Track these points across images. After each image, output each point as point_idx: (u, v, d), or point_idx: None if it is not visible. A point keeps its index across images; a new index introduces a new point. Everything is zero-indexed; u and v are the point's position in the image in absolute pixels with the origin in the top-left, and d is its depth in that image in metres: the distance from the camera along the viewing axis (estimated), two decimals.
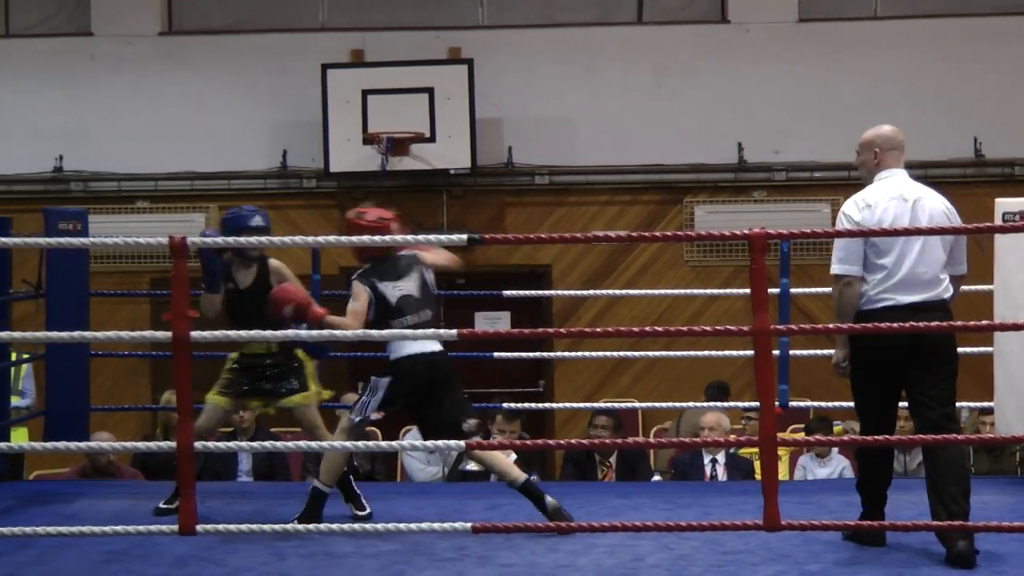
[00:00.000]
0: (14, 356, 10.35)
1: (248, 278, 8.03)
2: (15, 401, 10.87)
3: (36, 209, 10.18)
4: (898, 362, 6.59)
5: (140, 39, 14.31)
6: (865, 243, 6.64)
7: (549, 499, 7.23)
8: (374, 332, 7.19)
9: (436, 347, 7.62)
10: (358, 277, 7.62)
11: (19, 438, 10.20)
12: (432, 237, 7.28)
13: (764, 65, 14.13)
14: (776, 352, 8.56)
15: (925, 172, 14.05)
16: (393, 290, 7.60)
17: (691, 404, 10.95)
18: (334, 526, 6.30)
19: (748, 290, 5.99)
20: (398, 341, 7.49)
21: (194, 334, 5.76)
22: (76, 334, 7.12)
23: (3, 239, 7.57)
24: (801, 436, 10.42)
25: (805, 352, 10.21)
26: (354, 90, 13.60)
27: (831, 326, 7.00)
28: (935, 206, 6.85)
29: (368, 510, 7.82)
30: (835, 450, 10.83)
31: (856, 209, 6.78)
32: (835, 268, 6.67)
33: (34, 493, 8.82)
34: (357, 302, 7.55)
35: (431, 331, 7.51)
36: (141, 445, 6.75)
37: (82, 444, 5.98)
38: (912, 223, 6.67)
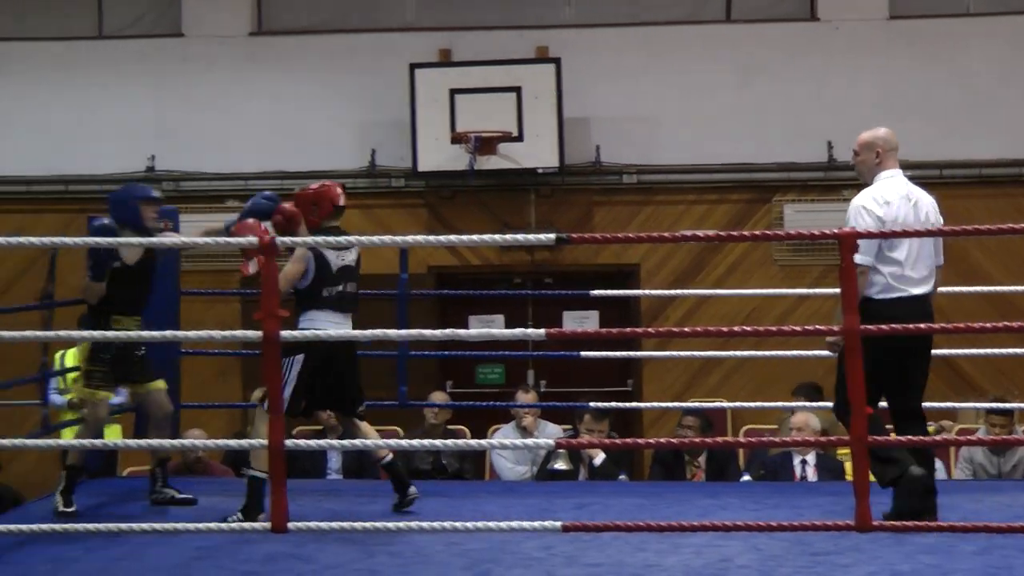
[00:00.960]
0: None
1: (136, 254, 8.09)
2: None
3: None
4: (906, 350, 7.26)
5: (230, 39, 14.41)
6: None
7: (413, 489, 7.82)
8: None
9: (349, 328, 7.81)
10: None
11: (112, 435, 10.31)
12: (520, 236, 7.15)
13: (854, 63, 14.03)
14: None
15: (1019, 171, 13.99)
16: (336, 258, 7.78)
17: (780, 404, 10.88)
18: (424, 524, 6.31)
19: (838, 290, 5.95)
20: (318, 317, 7.65)
21: (284, 333, 5.79)
22: (168, 333, 7.19)
23: (96, 239, 7.66)
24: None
25: None
26: (442, 89, 13.63)
27: (910, 326, 6.95)
28: (930, 205, 7.75)
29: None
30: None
31: (876, 205, 7.46)
32: (856, 258, 6.73)
33: (127, 489, 8.91)
34: (292, 265, 7.67)
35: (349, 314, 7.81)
36: (232, 443, 6.79)
37: (174, 441, 6.02)
38: (916, 220, 7.43)
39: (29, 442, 7.41)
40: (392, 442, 6.82)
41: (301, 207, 7.80)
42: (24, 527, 6.42)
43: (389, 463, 7.89)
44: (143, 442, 6.17)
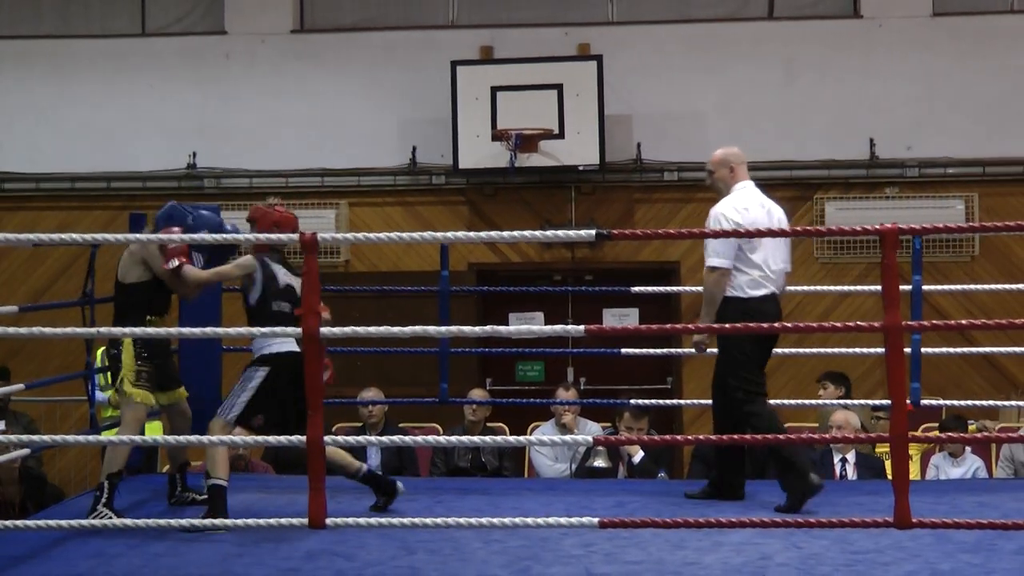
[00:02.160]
0: None
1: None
2: None
3: None
4: (771, 344, 8.19)
5: (273, 37, 14.46)
6: (739, 242, 7.80)
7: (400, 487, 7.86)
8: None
9: (297, 348, 7.62)
10: (256, 255, 7.91)
11: (153, 431, 10.33)
12: (561, 233, 7.16)
13: (897, 60, 13.97)
14: (908, 350, 8.45)
15: None
16: (284, 275, 7.89)
17: (820, 401, 10.85)
18: (461, 520, 6.32)
19: (879, 287, 5.93)
20: (273, 336, 7.64)
21: (324, 330, 5.80)
22: (209, 330, 7.21)
23: (139, 235, 7.70)
24: (933, 435, 10.28)
25: (937, 350, 10.08)
26: (483, 87, 13.64)
27: (952, 323, 6.91)
28: (780, 211, 8.27)
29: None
30: (969, 449, 10.69)
31: (735, 212, 7.97)
32: (714, 261, 7.86)
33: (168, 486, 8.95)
34: (226, 268, 7.91)
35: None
36: (272, 439, 6.81)
37: (214, 438, 6.05)
38: (769, 226, 7.87)
39: (71, 438, 7.42)
40: (431, 439, 6.81)
41: (261, 225, 7.96)
42: (65, 523, 6.45)
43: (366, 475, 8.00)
44: (183, 438, 6.19)
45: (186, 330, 7.99)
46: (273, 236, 7.22)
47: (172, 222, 7.96)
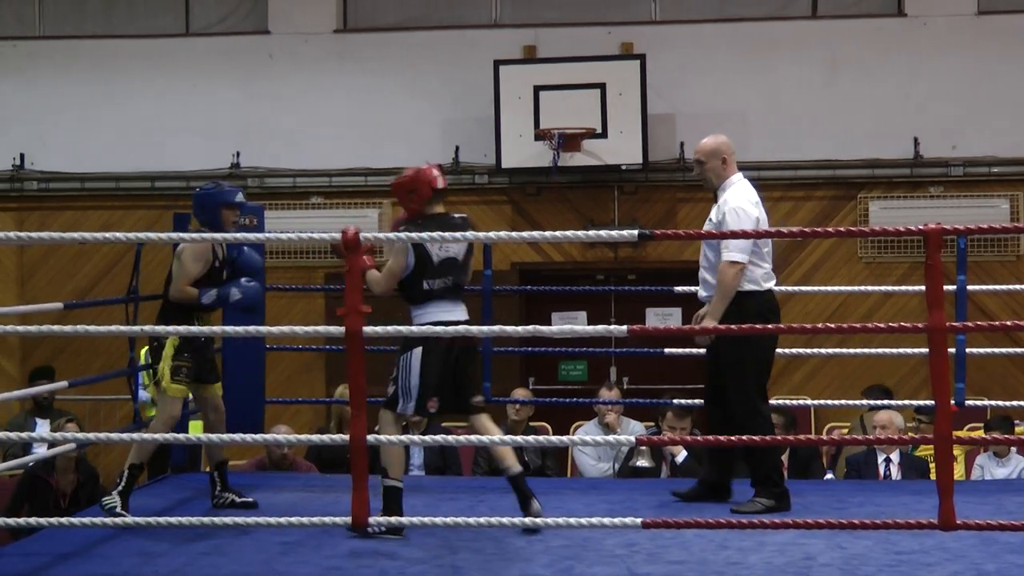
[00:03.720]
0: None
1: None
2: None
3: None
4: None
5: (316, 37, 14.50)
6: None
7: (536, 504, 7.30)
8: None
9: (463, 314, 7.46)
10: (406, 229, 7.33)
11: (195, 430, 10.38)
12: (604, 233, 7.11)
13: (941, 59, 13.90)
14: (952, 350, 8.42)
15: None
16: (440, 249, 7.35)
17: (864, 402, 10.81)
18: (504, 520, 6.31)
19: (924, 287, 5.90)
20: (430, 307, 7.37)
21: (367, 329, 5.81)
22: (252, 328, 7.23)
23: (182, 235, 7.72)
24: (978, 435, 10.23)
25: (983, 350, 10.03)
26: (526, 86, 13.65)
27: (1011, 323, 6.88)
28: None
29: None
30: (1014, 450, 10.64)
31: (752, 206, 7.83)
32: (736, 256, 7.65)
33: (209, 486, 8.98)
34: (394, 260, 7.39)
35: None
36: (315, 438, 6.83)
37: (258, 436, 6.07)
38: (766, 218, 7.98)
39: (115, 436, 7.44)
40: (475, 438, 6.81)
41: (399, 196, 7.50)
42: (110, 520, 6.48)
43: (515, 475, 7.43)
44: (226, 437, 6.20)
45: (230, 329, 8.04)
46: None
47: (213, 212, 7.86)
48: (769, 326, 7.67)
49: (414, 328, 7.09)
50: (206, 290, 7.80)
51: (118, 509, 7.52)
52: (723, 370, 7.90)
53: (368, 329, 5.81)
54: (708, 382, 8.12)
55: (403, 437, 6.90)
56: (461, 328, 7.17)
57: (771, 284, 7.90)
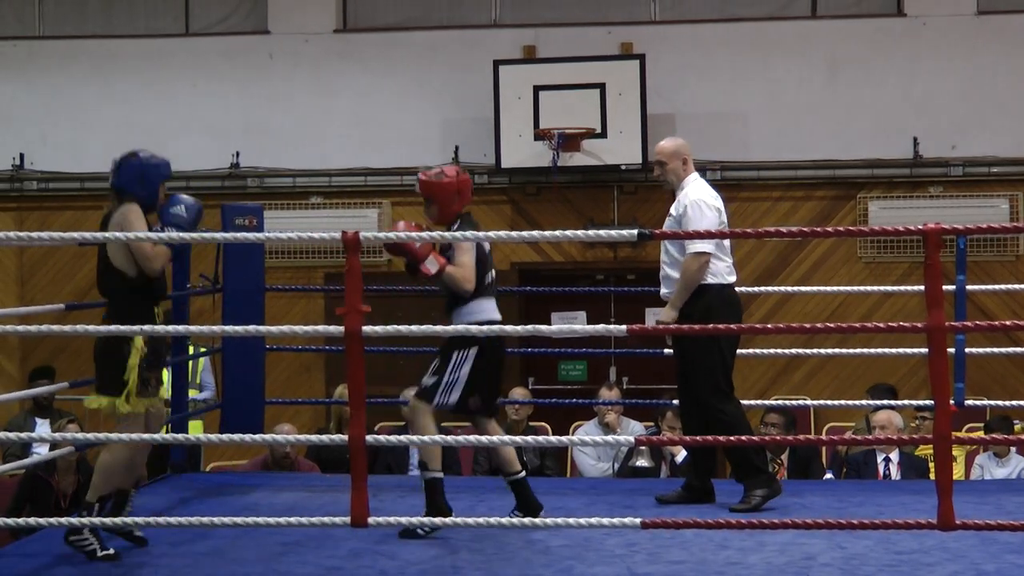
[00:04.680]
0: (192, 350, 10.56)
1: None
2: (193, 394, 11.10)
3: (213, 205, 10.34)
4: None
5: (316, 37, 14.50)
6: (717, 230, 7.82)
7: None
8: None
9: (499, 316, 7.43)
10: (460, 228, 7.34)
11: (194, 430, 10.40)
12: (603, 233, 7.23)
13: (941, 59, 13.91)
14: (952, 350, 8.42)
15: None
16: (485, 245, 7.37)
17: (864, 402, 10.82)
18: (504, 520, 6.32)
19: (923, 287, 5.90)
20: (485, 307, 7.31)
21: (366, 329, 5.81)
22: (252, 328, 7.23)
23: (182, 234, 7.71)
24: (977, 435, 10.24)
25: (982, 350, 10.03)
26: (526, 86, 13.65)
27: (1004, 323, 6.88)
28: None
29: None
30: (1014, 450, 10.64)
31: (712, 199, 8.03)
32: (701, 247, 7.73)
33: (211, 484, 8.99)
34: (467, 255, 7.22)
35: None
36: (314, 438, 6.83)
37: (257, 436, 6.07)
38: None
39: (114, 436, 7.44)
40: (474, 438, 6.81)
41: (442, 197, 7.35)
42: (109, 521, 6.47)
43: (518, 480, 7.42)
44: (225, 437, 6.18)
45: (229, 328, 8.03)
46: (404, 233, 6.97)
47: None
48: (760, 325, 7.69)
49: (472, 328, 7.03)
50: (156, 229, 6.96)
51: (98, 552, 6.73)
52: (689, 367, 7.96)
53: (368, 329, 5.81)
54: (678, 382, 8.15)
55: (403, 437, 6.89)
56: (502, 328, 7.20)
57: (733, 279, 8.00)
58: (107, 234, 6.44)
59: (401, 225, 7.31)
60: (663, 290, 8.09)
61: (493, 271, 7.43)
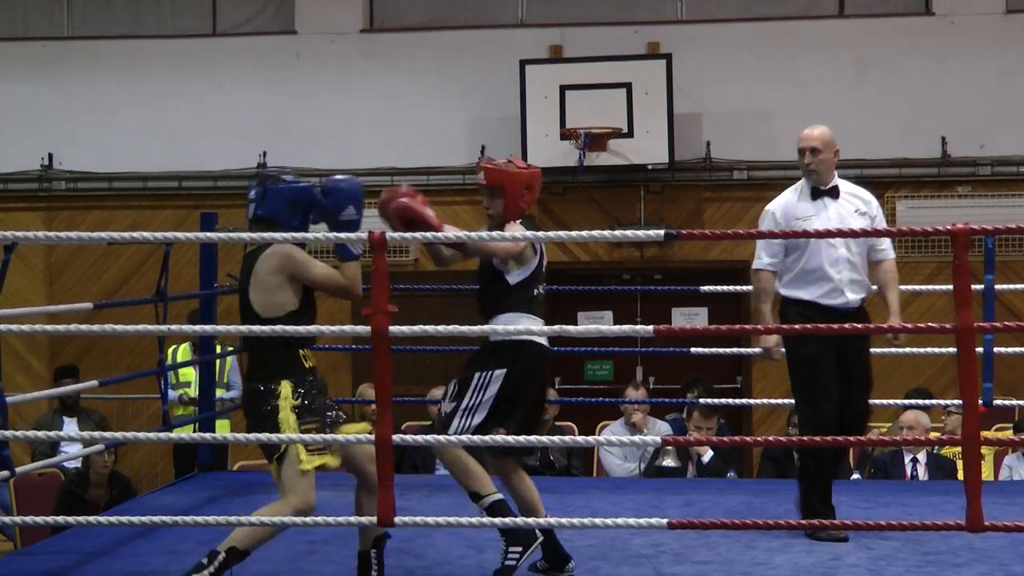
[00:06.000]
0: (219, 349, 10.59)
1: None
2: (221, 393, 11.13)
3: (241, 204, 10.34)
4: None
5: (342, 37, 14.52)
6: None
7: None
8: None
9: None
10: (525, 227, 6.68)
11: (222, 429, 10.42)
12: (630, 233, 6.89)
13: (969, 57, 13.86)
14: (980, 350, 8.39)
15: None
16: (544, 256, 6.65)
17: (891, 401, 10.78)
18: (530, 520, 6.32)
19: (951, 287, 5.88)
20: (525, 321, 6.45)
21: (393, 329, 5.81)
22: (279, 328, 7.22)
23: (209, 234, 7.72)
24: (1006, 435, 10.20)
25: (1011, 350, 9.99)
26: (552, 86, 13.64)
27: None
28: None
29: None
30: None
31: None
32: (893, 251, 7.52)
33: (238, 483, 9.01)
34: (516, 239, 6.41)
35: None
36: (340, 437, 6.83)
37: (284, 436, 6.08)
38: None
39: (142, 435, 7.45)
40: (499, 437, 6.79)
41: (510, 190, 6.64)
42: (137, 519, 6.50)
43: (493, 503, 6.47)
44: (251, 436, 6.17)
45: (256, 328, 8.02)
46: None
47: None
48: (787, 326, 7.50)
49: (500, 331, 6.43)
50: (344, 247, 6.22)
51: None
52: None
53: (394, 329, 5.81)
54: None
55: (429, 437, 6.87)
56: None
57: None
58: (135, 234, 6.32)
59: (405, 187, 6.64)
60: (849, 295, 7.45)
61: (541, 287, 6.61)
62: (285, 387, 6.07)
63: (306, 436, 5.96)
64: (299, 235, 6.14)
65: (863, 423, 7.13)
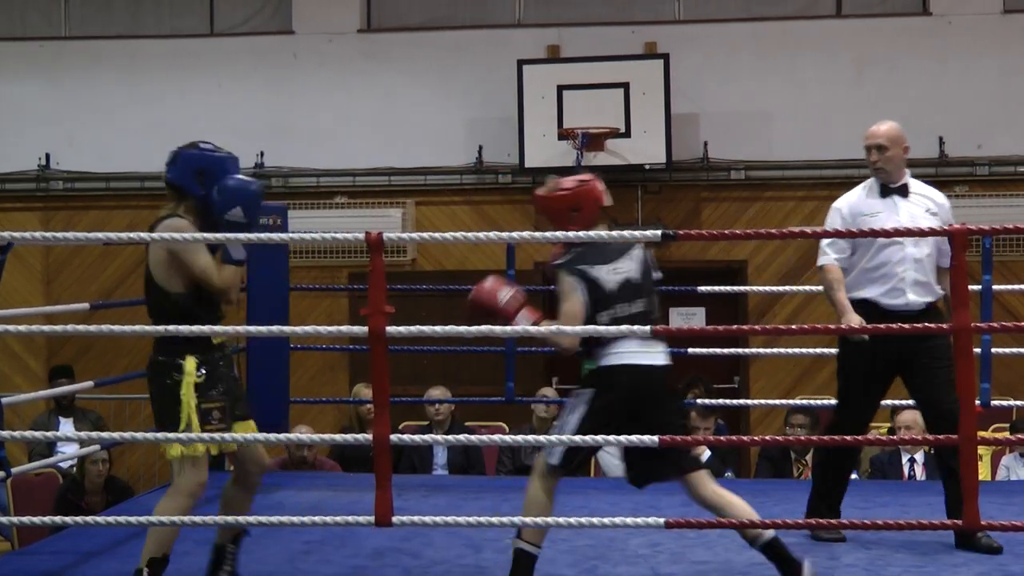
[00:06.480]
0: None
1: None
2: None
3: None
4: None
5: (340, 37, 14.51)
6: None
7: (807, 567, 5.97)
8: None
9: (660, 359, 6.17)
10: (564, 266, 6.17)
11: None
12: (627, 233, 6.46)
13: (967, 58, 13.85)
14: (978, 350, 8.39)
15: None
16: (610, 274, 6.14)
17: (888, 401, 10.77)
18: (528, 519, 6.32)
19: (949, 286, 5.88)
20: (609, 348, 6.12)
21: (390, 329, 5.81)
22: (276, 328, 7.23)
23: (207, 234, 7.71)
24: (1003, 436, 10.21)
25: (1008, 350, 10.00)
26: (550, 86, 13.64)
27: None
28: None
29: None
30: None
31: None
32: None
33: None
34: (569, 301, 6.11)
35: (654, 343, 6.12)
36: (338, 437, 6.83)
37: (281, 436, 6.06)
38: None
39: (139, 435, 7.45)
40: (497, 437, 6.80)
41: (553, 214, 6.25)
42: (135, 519, 6.50)
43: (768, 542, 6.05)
44: (250, 436, 6.13)
45: (253, 329, 8.04)
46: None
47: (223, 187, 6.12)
48: (785, 326, 7.49)
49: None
50: (228, 250, 6.08)
51: None
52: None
53: (392, 329, 5.81)
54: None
55: (427, 436, 6.87)
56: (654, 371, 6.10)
57: None
58: (132, 234, 6.30)
59: (489, 281, 6.31)
60: (912, 297, 7.10)
61: (637, 302, 6.17)
62: (189, 362, 5.99)
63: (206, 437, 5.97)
64: (297, 236, 6.14)
65: (952, 424, 6.87)
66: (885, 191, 7.31)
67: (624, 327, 6.03)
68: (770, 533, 5.97)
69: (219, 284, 6.03)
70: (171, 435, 5.94)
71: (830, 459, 7.30)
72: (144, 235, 6.18)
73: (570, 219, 6.19)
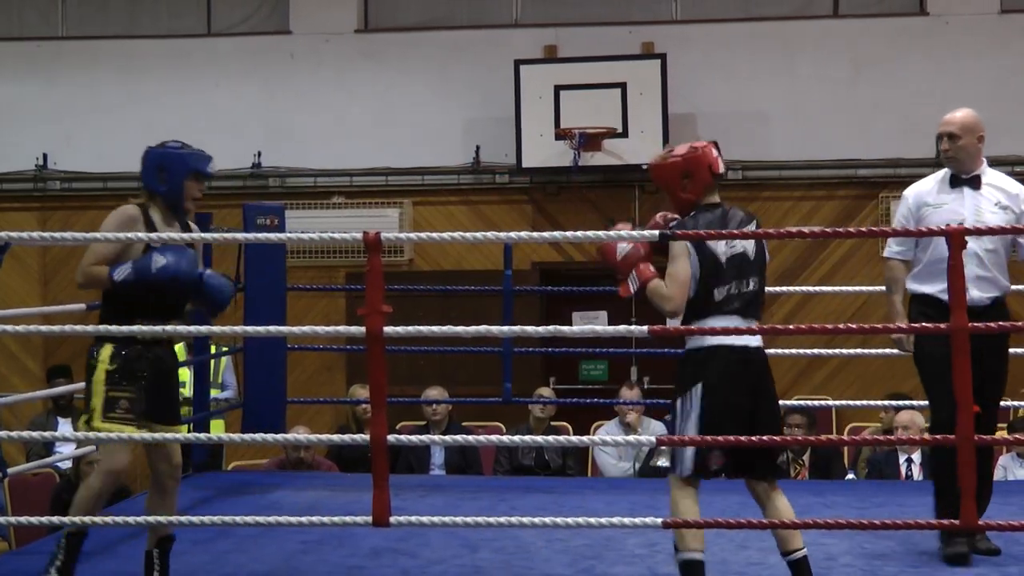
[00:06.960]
0: (214, 349, 10.58)
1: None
2: (215, 394, 11.12)
3: (235, 204, 10.37)
4: None
5: (337, 37, 14.51)
6: None
7: None
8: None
9: (757, 340, 5.99)
10: (679, 225, 6.06)
11: (216, 429, 10.41)
12: (625, 233, 6.37)
13: (964, 57, 13.85)
14: None
15: None
16: (726, 247, 5.91)
17: (885, 403, 10.79)
18: (525, 519, 6.33)
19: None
20: (713, 324, 5.90)
21: (388, 329, 5.81)
22: (273, 328, 7.23)
23: (204, 234, 7.72)
24: (1000, 436, 10.20)
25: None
26: (547, 86, 13.65)
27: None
28: None
29: None
30: None
31: None
32: None
33: (232, 483, 9.01)
34: (676, 264, 5.91)
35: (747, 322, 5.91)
36: (336, 438, 6.83)
37: (279, 436, 6.06)
38: None
39: (137, 436, 7.45)
40: (494, 438, 6.80)
41: (666, 182, 6.12)
42: (131, 519, 6.50)
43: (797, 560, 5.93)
44: (247, 436, 6.15)
45: (251, 328, 8.04)
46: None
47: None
48: (782, 326, 7.41)
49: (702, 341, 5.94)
50: (116, 265, 6.03)
51: None
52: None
53: (389, 329, 5.81)
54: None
55: (424, 436, 6.86)
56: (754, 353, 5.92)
57: None
58: (129, 235, 6.29)
59: (615, 233, 6.27)
60: (975, 293, 6.69)
61: (750, 280, 5.97)
62: (106, 350, 6.06)
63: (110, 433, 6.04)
64: (294, 236, 6.14)
65: (991, 426, 6.72)
66: (955, 181, 6.98)
67: (622, 327, 6.07)
68: (802, 552, 5.85)
69: (80, 273, 6.13)
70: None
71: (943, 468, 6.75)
72: (143, 235, 6.18)
73: (682, 186, 6.03)
